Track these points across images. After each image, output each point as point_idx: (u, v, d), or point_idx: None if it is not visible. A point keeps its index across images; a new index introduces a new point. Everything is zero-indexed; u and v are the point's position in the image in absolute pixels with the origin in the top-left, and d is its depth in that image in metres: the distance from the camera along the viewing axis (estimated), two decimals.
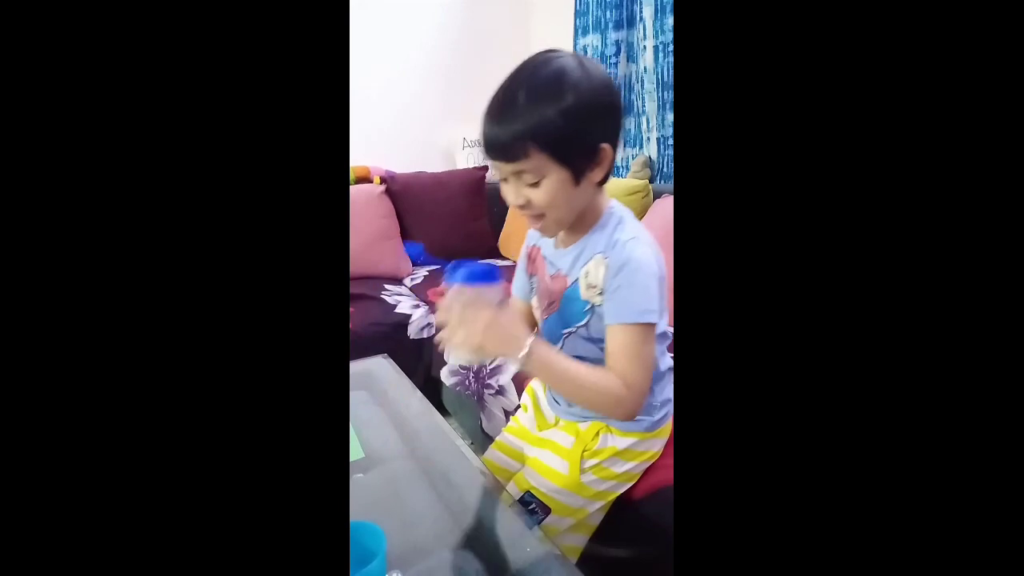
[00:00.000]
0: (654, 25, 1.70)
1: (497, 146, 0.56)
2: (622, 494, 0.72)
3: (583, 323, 0.65)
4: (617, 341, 0.59)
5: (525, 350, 0.55)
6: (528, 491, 0.70)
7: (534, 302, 0.74)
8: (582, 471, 0.69)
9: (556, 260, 0.68)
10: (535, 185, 0.57)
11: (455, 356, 0.56)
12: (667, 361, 0.72)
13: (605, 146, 0.58)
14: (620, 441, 0.70)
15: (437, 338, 0.57)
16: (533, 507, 0.69)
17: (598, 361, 0.63)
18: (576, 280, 0.64)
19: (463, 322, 0.54)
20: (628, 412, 0.59)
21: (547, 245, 0.70)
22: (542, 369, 0.57)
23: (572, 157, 0.56)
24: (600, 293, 0.61)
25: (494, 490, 0.64)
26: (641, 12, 1.75)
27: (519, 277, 0.77)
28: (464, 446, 0.71)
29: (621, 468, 0.71)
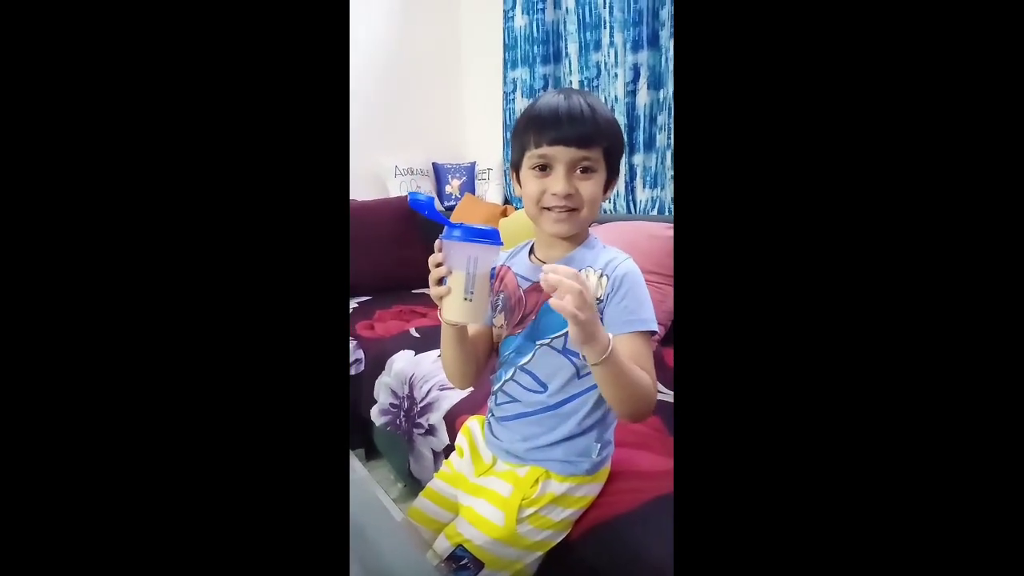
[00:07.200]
0: (579, 61, 1.76)
1: (577, 132, 0.62)
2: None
3: (561, 332, 0.65)
4: (635, 346, 0.62)
5: (612, 343, 0.55)
6: (460, 545, 0.64)
7: (498, 320, 0.73)
8: (518, 521, 0.65)
9: (533, 274, 0.70)
10: (586, 179, 0.64)
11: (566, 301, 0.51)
12: None
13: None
14: (558, 487, 0.67)
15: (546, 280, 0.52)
16: (465, 562, 0.63)
17: (569, 376, 0.66)
18: None
19: (577, 288, 0.51)
20: (651, 409, 0.62)
21: (520, 264, 0.72)
22: (618, 365, 0.56)
23: (613, 166, 0.66)
24: (599, 302, 0.64)
25: (419, 546, 0.57)
26: (566, 48, 1.81)
27: None
28: (384, 496, 0.64)
29: (559, 516, 0.67)
